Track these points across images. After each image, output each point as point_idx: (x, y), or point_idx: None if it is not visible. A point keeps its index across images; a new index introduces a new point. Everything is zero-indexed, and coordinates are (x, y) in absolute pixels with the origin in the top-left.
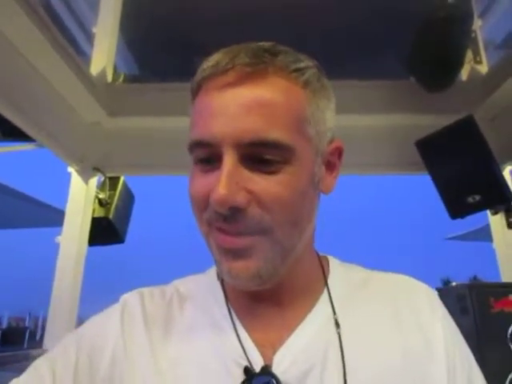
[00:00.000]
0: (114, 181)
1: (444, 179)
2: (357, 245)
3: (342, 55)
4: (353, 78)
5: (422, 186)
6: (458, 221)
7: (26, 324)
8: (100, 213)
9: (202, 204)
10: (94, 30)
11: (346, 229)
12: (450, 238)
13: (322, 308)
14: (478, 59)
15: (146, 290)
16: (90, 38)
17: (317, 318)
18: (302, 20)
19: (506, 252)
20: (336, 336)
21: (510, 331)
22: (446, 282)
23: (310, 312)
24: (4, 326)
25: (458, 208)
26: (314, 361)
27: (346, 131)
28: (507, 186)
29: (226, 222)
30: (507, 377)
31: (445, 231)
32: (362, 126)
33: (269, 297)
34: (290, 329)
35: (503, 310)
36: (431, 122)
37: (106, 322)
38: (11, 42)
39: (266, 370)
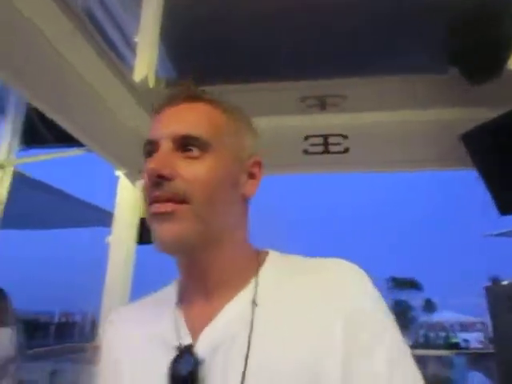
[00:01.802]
0: None
1: (493, 174)
2: (398, 242)
3: (371, 53)
4: (387, 75)
5: (449, 183)
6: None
7: (76, 319)
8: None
9: (144, 186)
10: (136, 38)
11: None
12: (490, 235)
13: (246, 293)
14: None
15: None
16: (129, 44)
17: (239, 303)
18: (331, 19)
19: None
20: (250, 315)
21: None
22: (495, 280)
23: (235, 296)
24: (56, 321)
25: (508, 203)
26: (224, 338)
27: (390, 127)
28: None
29: (157, 187)
30: None
31: (482, 228)
32: (405, 121)
33: (200, 289)
34: (215, 314)
35: None
36: (474, 116)
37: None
38: (62, 55)
39: (187, 349)
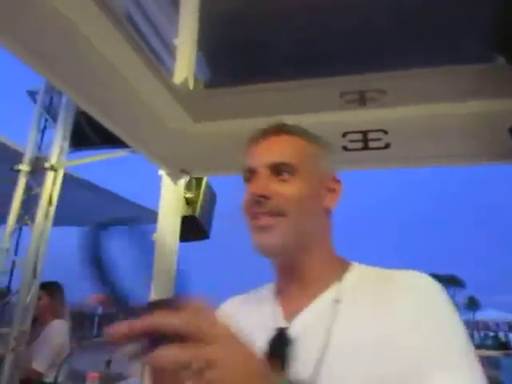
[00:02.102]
0: (198, 181)
1: None
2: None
3: (411, 45)
4: (428, 67)
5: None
6: None
7: None
8: (188, 211)
9: (244, 205)
10: (175, 41)
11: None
12: None
13: (331, 292)
14: None
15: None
16: (168, 47)
17: (325, 299)
18: (369, 14)
19: None
20: (332, 311)
21: None
22: None
23: (322, 294)
24: (100, 312)
25: None
26: (312, 323)
27: (432, 121)
28: None
29: (258, 204)
30: None
31: None
32: (448, 114)
33: (293, 285)
34: (306, 305)
35: None
36: None
37: None
38: (107, 58)
39: (283, 330)
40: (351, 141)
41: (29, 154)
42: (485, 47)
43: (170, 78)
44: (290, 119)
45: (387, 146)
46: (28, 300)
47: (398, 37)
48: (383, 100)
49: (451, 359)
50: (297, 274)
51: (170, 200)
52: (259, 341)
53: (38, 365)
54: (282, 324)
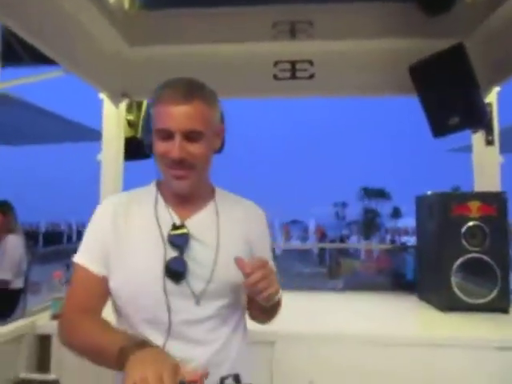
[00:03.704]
0: (139, 104)
1: (430, 102)
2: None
3: None
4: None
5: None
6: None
7: (62, 229)
8: (130, 133)
9: (164, 156)
10: None
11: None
12: (450, 150)
13: (211, 206)
14: None
15: (115, 197)
16: None
17: (208, 210)
18: None
19: (481, 166)
20: (216, 218)
21: (463, 230)
22: (456, 189)
23: (205, 206)
24: (43, 230)
25: (440, 128)
26: (204, 226)
27: (343, 56)
28: (483, 110)
29: (177, 164)
30: (455, 262)
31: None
32: (357, 50)
33: (186, 198)
34: (195, 212)
35: (461, 214)
36: (426, 46)
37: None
38: None
39: (182, 225)
40: (281, 70)
41: None
42: None
43: None
44: (224, 48)
45: (311, 76)
46: None
47: None
48: (311, 32)
49: (268, 253)
50: (188, 197)
51: (113, 122)
52: (157, 233)
53: (4, 274)
54: (178, 222)
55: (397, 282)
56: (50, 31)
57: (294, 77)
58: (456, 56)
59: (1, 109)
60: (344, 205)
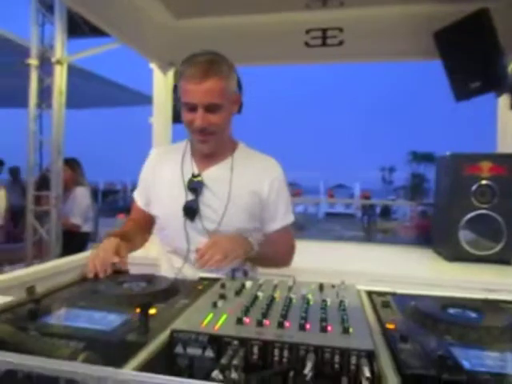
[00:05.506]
0: None
1: (453, 67)
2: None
3: None
4: None
5: None
6: None
7: (117, 188)
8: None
9: (189, 124)
10: None
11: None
12: None
13: (227, 161)
14: None
15: (159, 148)
16: None
17: (223, 165)
18: None
19: (505, 128)
20: (230, 174)
21: (473, 188)
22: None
23: (221, 161)
24: (101, 189)
25: (461, 92)
26: (217, 179)
27: (371, 23)
28: (503, 74)
29: (200, 131)
30: (464, 218)
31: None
32: (384, 17)
33: (208, 154)
34: (211, 165)
35: (473, 174)
36: (451, 10)
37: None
38: None
39: (198, 175)
40: (312, 37)
41: (34, 48)
42: None
43: None
44: (261, 18)
45: (341, 42)
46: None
47: None
48: (341, 0)
49: (284, 210)
50: (209, 153)
51: (162, 89)
52: (181, 180)
53: (75, 219)
54: (197, 172)
55: (422, 237)
56: (102, 4)
57: (324, 44)
58: (480, 21)
59: (68, 78)
60: (391, 169)
